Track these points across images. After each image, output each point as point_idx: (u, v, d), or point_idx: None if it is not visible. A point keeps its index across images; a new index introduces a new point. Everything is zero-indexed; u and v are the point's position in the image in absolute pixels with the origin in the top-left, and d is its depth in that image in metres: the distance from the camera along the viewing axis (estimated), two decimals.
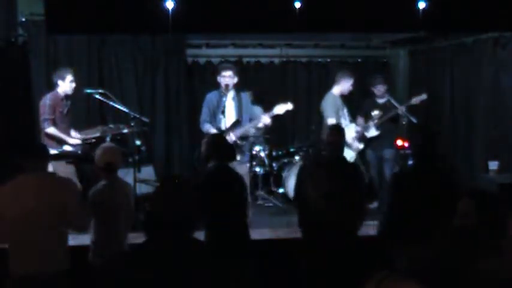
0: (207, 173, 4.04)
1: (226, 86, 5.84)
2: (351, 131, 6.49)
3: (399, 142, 6.87)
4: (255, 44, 8.32)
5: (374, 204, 6.56)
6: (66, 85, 5.87)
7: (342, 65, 8.24)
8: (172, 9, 4.83)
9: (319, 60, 8.61)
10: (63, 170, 5.42)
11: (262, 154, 7.24)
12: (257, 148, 7.16)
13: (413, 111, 6.68)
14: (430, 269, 2.11)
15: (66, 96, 5.96)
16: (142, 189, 5.90)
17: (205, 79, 7.96)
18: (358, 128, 6.74)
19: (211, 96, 6.01)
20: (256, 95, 7.28)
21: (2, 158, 5.73)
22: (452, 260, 2.17)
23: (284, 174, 7.12)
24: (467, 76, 7.31)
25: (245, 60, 8.32)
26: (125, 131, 5.94)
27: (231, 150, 4.28)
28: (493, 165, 6.39)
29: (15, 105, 6.88)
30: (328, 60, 8.59)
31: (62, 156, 5.66)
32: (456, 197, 2.60)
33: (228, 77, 5.87)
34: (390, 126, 6.73)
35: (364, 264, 3.63)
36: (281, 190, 7.20)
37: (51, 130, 5.76)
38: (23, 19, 6.91)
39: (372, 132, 6.70)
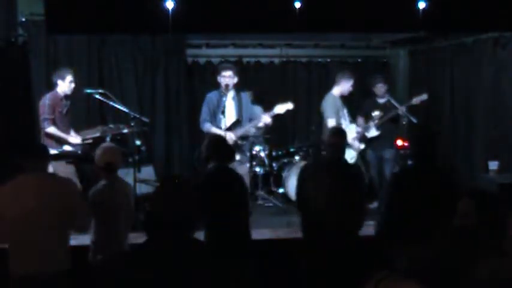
0: (207, 174, 4.04)
1: (226, 86, 5.85)
2: (351, 132, 6.49)
3: (399, 142, 6.87)
4: (255, 44, 8.32)
5: (374, 204, 6.54)
6: (65, 85, 5.87)
7: (342, 65, 8.24)
8: (172, 9, 4.83)
9: (319, 60, 8.62)
10: (63, 170, 5.42)
11: (262, 154, 7.24)
12: (257, 148, 7.16)
13: (413, 111, 6.68)
14: (430, 269, 2.11)
15: (66, 96, 5.96)
16: (142, 189, 5.90)
17: (205, 79, 7.96)
18: (359, 129, 6.74)
19: (211, 96, 6.01)
20: (256, 95, 7.29)
21: (2, 158, 5.74)
22: (452, 260, 2.17)
23: (284, 174, 7.12)
24: (467, 76, 7.31)
25: (245, 60, 8.32)
26: (125, 131, 5.94)
27: (231, 151, 4.28)
28: (493, 165, 6.39)
29: (15, 105, 6.88)
30: (328, 60, 8.59)
31: (62, 156, 5.66)
32: (456, 197, 2.59)
33: (228, 77, 5.87)
34: (390, 126, 6.73)
35: (364, 264, 3.63)
36: (281, 190, 7.19)
37: (51, 129, 5.76)
38: (23, 19, 6.92)
39: (373, 133, 6.71)
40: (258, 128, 6.44)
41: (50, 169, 4.77)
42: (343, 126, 6.08)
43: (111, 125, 6.23)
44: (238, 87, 6.12)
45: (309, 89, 8.57)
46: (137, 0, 5.06)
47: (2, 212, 3.37)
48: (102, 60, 7.40)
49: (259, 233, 5.08)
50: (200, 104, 6.17)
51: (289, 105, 5.90)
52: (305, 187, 4.09)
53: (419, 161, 3.85)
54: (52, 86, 5.99)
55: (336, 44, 8.53)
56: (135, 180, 5.61)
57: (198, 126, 6.15)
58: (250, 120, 6.00)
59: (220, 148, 4.12)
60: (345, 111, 6.69)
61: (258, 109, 6.62)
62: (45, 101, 5.82)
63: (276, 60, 8.48)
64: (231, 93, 5.95)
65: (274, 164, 7.39)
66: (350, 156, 6.35)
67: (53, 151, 5.23)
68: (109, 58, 7.43)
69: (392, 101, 6.70)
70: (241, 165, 5.69)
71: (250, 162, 6.50)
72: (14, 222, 3.38)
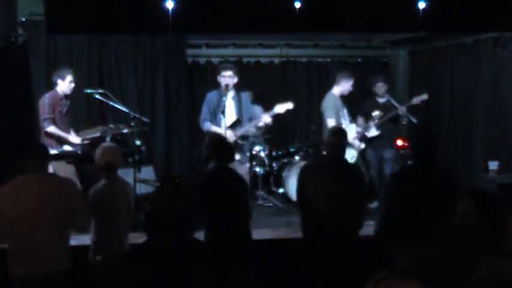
0: (207, 174, 4.04)
1: (226, 86, 5.85)
2: (351, 132, 6.49)
3: (399, 142, 6.87)
4: (255, 44, 8.31)
5: (374, 204, 6.54)
6: (65, 85, 5.87)
7: (342, 65, 8.24)
8: (172, 9, 4.84)
9: (319, 60, 8.61)
10: (63, 170, 5.42)
11: (262, 154, 7.24)
12: (257, 148, 7.16)
13: (413, 111, 6.68)
14: (430, 269, 2.11)
15: (66, 96, 5.96)
16: (142, 189, 5.90)
17: (205, 79, 7.96)
18: (359, 129, 6.74)
19: (211, 96, 6.01)
20: (256, 95, 7.28)
21: (2, 158, 5.74)
22: (452, 260, 2.17)
23: (284, 174, 7.12)
24: (467, 76, 7.31)
25: (245, 60, 8.32)
26: (125, 131, 5.94)
27: (231, 151, 4.28)
28: (493, 165, 6.39)
29: (15, 105, 6.87)
30: (328, 60, 8.59)
31: (62, 156, 5.66)
32: (456, 197, 2.60)
33: (228, 77, 5.87)
34: (390, 126, 6.74)
35: (364, 264, 3.63)
36: (281, 190, 7.19)
37: (51, 129, 5.76)
38: (23, 19, 6.91)
39: (373, 132, 6.71)
40: (258, 128, 6.44)
41: (50, 169, 4.77)
42: (343, 126, 6.09)
43: (111, 125, 6.23)
44: (238, 87, 6.12)
45: (309, 89, 8.57)
46: (137, 0, 5.06)
47: (2, 212, 3.38)
48: (102, 60, 7.40)
49: (259, 233, 5.08)
50: (200, 104, 6.17)
51: (289, 105, 5.91)
52: (305, 187, 4.09)
53: (419, 161, 3.85)
54: (52, 86, 5.99)
55: (336, 44, 8.52)
56: (135, 180, 5.61)
57: (198, 126, 6.15)
58: (250, 120, 6.00)
59: (221, 148, 4.12)
60: (345, 111, 6.69)
61: (258, 109, 6.62)
62: (45, 100, 5.82)
63: (276, 60, 8.48)
64: (231, 93, 5.95)
65: (274, 164, 7.39)
66: (351, 155, 6.36)
67: (53, 151, 5.23)
68: (109, 58, 7.43)
69: (392, 101, 6.70)
70: (241, 165, 5.69)
71: (250, 162, 6.50)
72: (14, 222, 3.38)
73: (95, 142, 5.62)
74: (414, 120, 6.51)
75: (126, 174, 5.36)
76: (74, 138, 5.89)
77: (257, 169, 7.21)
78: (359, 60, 8.64)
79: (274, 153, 7.49)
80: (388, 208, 3.77)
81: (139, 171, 5.89)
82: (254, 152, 7.04)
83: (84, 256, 3.88)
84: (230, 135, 5.73)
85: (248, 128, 5.98)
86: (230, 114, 5.92)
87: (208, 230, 3.88)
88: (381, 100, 6.85)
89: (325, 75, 8.41)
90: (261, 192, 7.24)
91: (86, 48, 7.28)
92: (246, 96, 6.18)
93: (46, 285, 3.41)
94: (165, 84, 7.60)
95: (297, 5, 4.94)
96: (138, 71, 7.54)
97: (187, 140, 7.65)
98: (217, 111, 5.91)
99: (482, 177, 6.49)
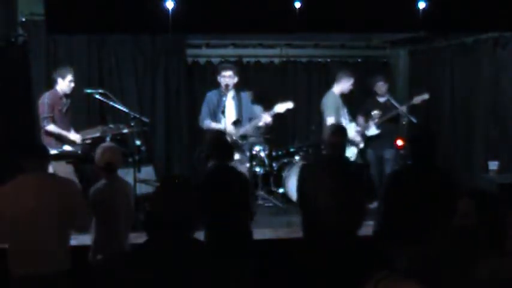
0: (207, 173, 4.04)
1: (226, 85, 5.85)
2: (351, 131, 6.50)
3: (399, 142, 6.87)
4: (255, 44, 8.32)
5: (374, 204, 6.54)
6: (65, 84, 5.87)
7: (342, 65, 8.23)
8: (172, 9, 4.84)
9: (319, 60, 8.62)
10: (63, 170, 5.42)
11: (262, 154, 7.24)
12: (257, 148, 7.16)
13: (413, 111, 6.68)
14: (430, 269, 2.11)
15: (66, 95, 5.95)
16: (142, 189, 5.89)
17: (205, 79, 7.97)
18: (358, 128, 6.75)
19: (211, 95, 6.02)
20: (256, 95, 7.28)
21: (2, 158, 5.74)
22: (452, 260, 2.17)
23: (284, 174, 7.12)
24: (467, 76, 7.31)
25: (245, 60, 8.33)
26: (125, 131, 5.94)
27: (231, 149, 4.28)
28: (493, 165, 6.39)
29: (15, 105, 6.88)
30: (328, 60, 8.59)
31: (62, 156, 5.66)
32: (456, 197, 2.59)
33: (228, 77, 5.88)
34: (390, 126, 6.74)
35: (364, 264, 3.63)
36: (281, 190, 7.19)
37: (51, 127, 5.76)
38: (23, 19, 6.92)
39: (372, 131, 6.71)
40: (258, 128, 6.44)
41: (50, 169, 4.77)
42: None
43: (111, 125, 6.22)
44: (238, 87, 6.12)
45: (309, 89, 8.57)
46: (137, 0, 5.06)
47: (2, 212, 3.37)
48: (102, 60, 7.40)
49: (259, 233, 5.08)
50: (200, 104, 6.18)
51: (289, 104, 5.91)
52: (305, 186, 4.08)
53: (418, 161, 3.85)
54: (52, 86, 5.98)
55: (336, 44, 8.52)
56: (135, 180, 5.61)
57: (198, 126, 6.15)
58: (250, 120, 6.00)
59: (220, 146, 4.12)
60: (345, 110, 6.70)
61: (258, 109, 6.62)
62: (44, 99, 5.82)
63: (276, 60, 8.48)
64: (231, 93, 5.96)
65: (274, 164, 7.39)
66: (351, 153, 6.37)
67: (53, 151, 5.23)
68: (109, 58, 7.43)
69: (392, 101, 6.70)
70: (241, 165, 5.69)
71: (250, 162, 6.50)
72: (14, 222, 3.38)
73: (95, 142, 5.62)
74: (414, 120, 6.51)
75: (126, 174, 5.36)
76: (74, 135, 5.89)
77: (257, 169, 7.20)
78: (359, 60, 8.64)
79: (274, 153, 7.48)
80: (387, 208, 3.76)
81: (139, 171, 5.88)
82: (254, 152, 7.03)
83: (84, 256, 3.88)
84: (230, 129, 5.73)
85: (248, 128, 5.98)
86: (230, 114, 5.92)
87: (208, 230, 3.88)
88: (381, 99, 6.86)
89: (325, 75, 8.41)
90: (261, 192, 7.23)
91: (86, 48, 7.28)
92: (246, 96, 6.18)
93: (46, 285, 3.41)
94: (165, 84, 7.60)
95: (297, 5, 4.94)
96: (138, 71, 7.54)
97: (187, 140, 7.65)
98: (217, 111, 5.91)
99: (482, 177, 6.49)
